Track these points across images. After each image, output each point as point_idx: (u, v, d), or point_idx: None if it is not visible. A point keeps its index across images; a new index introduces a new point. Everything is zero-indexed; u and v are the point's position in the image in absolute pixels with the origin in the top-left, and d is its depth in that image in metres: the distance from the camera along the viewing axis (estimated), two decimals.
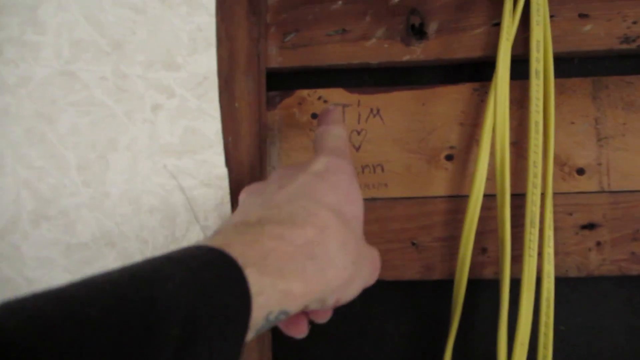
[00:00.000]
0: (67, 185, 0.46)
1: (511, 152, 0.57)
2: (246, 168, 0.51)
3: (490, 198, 0.56)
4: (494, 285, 0.56)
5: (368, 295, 0.61)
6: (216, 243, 0.28)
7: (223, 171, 0.45)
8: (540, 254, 0.53)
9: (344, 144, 0.45)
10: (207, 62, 0.45)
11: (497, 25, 0.56)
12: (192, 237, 0.45)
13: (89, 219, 0.46)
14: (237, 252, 0.27)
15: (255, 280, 0.27)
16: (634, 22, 0.55)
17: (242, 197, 0.41)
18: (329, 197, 0.36)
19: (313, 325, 0.62)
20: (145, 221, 0.46)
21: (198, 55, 0.45)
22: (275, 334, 0.61)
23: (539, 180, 0.53)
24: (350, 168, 0.42)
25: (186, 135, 0.45)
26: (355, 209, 0.41)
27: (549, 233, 0.53)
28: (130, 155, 0.46)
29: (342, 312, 0.61)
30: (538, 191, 0.53)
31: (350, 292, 0.38)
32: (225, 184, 0.45)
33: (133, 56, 0.46)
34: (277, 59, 0.59)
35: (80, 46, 0.46)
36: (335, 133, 0.46)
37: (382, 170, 0.59)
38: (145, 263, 0.26)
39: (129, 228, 0.46)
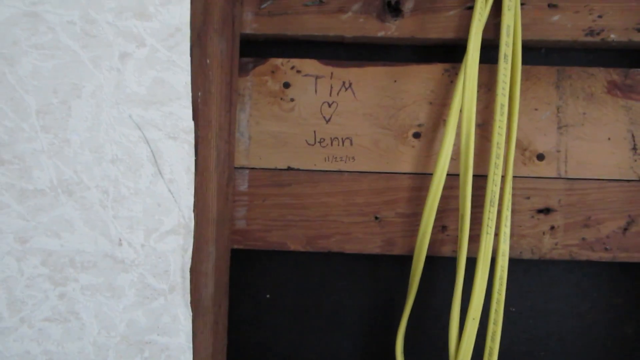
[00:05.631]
0: (25, 130, 0.45)
1: (476, 134, 0.59)
2: (215, 128, 0.50)
3: (453, 177, 0.57)
4: (452, 262, 0.57)
5: (328, 267, 0.62)
6: None
7: (189, 125, 0.44)
8: (497, 234, 0.55)
9: None
10: (180, 13, 0.44)
11: (470, 8, 0.57)
12: (156, 190, 0.45)
13: (47, 165, 0.45)
14: None
15: None
16: (600, 16, 0.57)
17: None
18: None
19: (269, 298, 0.62)
20: (107, 171, 0.45)
21: (171, 5, 0.44)
22: (232, 302, 0.61)
23: (500, 161, 0.54)
24: None
25: (154, 85, 0.44)
26: None
27: (507, 213, 0.55)
28: (94, 102, 0.45)
29: (300, 284, 0.62)
30: (499, 171, 0.54)
31: None
32: (191, 137, 0.44)
33: (103, 2, 0.44)
34: (252, 25, 0.59)
35: None
36: None
37: (351, 143, 0.59)
38: None
39: (89, 177, 0.45)
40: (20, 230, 0.45)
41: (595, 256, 0.58)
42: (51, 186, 0.45)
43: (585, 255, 0.58)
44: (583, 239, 0.58)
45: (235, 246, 0.59)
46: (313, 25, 0.59)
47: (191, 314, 0.45)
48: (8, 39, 0.45)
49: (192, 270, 0.45)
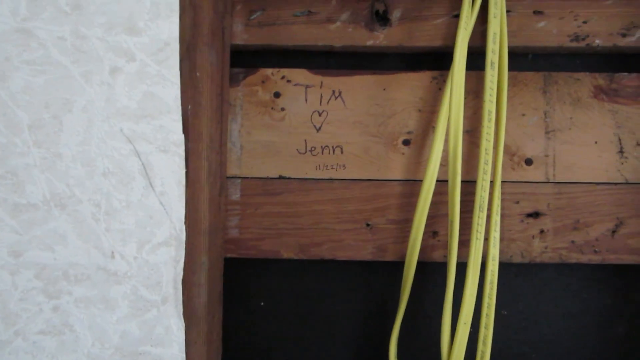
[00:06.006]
0: (17, 145, 0.45)
1: (465, 140, 0.59)
2: (205, 139, 0.51)
3: (443, 183, 0.58)
4: (443, 267, 0.58)
5: (321, 274, 0.62)
6: None
7: (180, 137, 0.45)
8: (486, 239, 0.55)
9: None
10: (169, 28, 0.45)
11: (457, 16, 0.58)
12: (147, 202, 0.45)
13: (39, 180, 0.45)
14: None
15: None
16: (585, 22, 0.58)
17: None
18: None
19: (263, 306, 0.62)
20: (99, 184, 0.45)
21: (160, 20, 0.45)
22: (226, 311, 0.61)
23: (489, 167, 0.55)
24: None
25: (144, 100, 0.45)
26: None
27: (496, 218, 0.56)
28: (85, 117, 0.45)
29: (294, 291, 0.62)
30: (488, 177, 0.55)
31: None
32: (181, 150, 0.45)
33: (93, 18, 0.45)
34: (242, 36, 0.60)
35: (38, 4, 0.45)
36: None
37: (341, 151, 0.60)
38: None
39: (81, 191, 0.45)
40: (13, 244, 0.45)
41: (584, 259, 0.59)
42: (44, 200, 0.45)
43: (574, 257, 0.59)
44: (572, 242, 0.59)
45: (229, 255, 0.59)
46: (302, 35, 0.59)
47: (184, 324, 0.45)
48: (0, 55, 0.45)
49: (185, 281, 0.46)
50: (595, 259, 0.59)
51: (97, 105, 0.45)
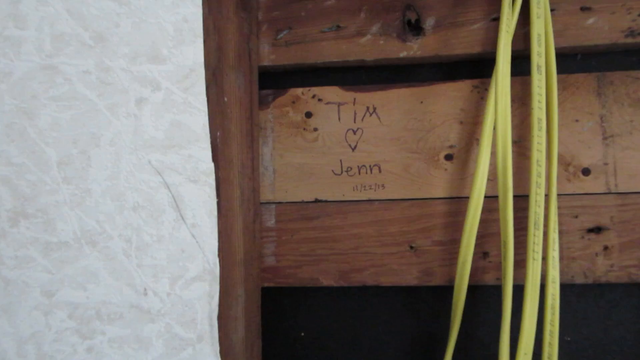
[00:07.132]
0: (47, 182, 0.44)
1: (513, 152, 0.55)
2: (236, 166, 0.49)
3: (491, 200, 0.54)
4: (496, 291, 0.54)
5: (363, 301, 0.59)
6: None
7: (210, 166, 0.43)
8: (544, 258, 0.51)
9: None
10: (193, 54, 0.43)
11: (496, 20, 0.54)
12: (179, 235, 0.43)
13: (69, 217, 0.44)
14: None
15: None
16: None
17: None
18: None
19: (304, 334, 0.59)
20: (129, 219, 0.44)
21: (184, 47, 0.43)
22: (265, 343, 0.59)
23: (542, 180, 0.50)
24: None
25: (172, 129, 0.43)
26: None
27: (554, 236, 0.51)
28: (113, 150, 0.44)
29: (335, 320, 0.59)
30: (542, 191, 0.50)
31: None
32: (211, 179, 0.43)
33: (117, 49, 0.44)
34: (269, 56, 0.58)
35: (62, 40, 0.45)
36: None
37: (380, 170, 0.56)
38: None
39: (112, 226, 0.44)
40: (46, 283, 0.44)
41: None
42: (75, 237, 0.44)
43: None
44: None
45: (266, 284, 0.57)
46: (332, 51, 0.57)
47: None
48: (27, 93, 0.45)
49: (221, 316, 0.43)
50: None
51: (125, 137, 0.44)
